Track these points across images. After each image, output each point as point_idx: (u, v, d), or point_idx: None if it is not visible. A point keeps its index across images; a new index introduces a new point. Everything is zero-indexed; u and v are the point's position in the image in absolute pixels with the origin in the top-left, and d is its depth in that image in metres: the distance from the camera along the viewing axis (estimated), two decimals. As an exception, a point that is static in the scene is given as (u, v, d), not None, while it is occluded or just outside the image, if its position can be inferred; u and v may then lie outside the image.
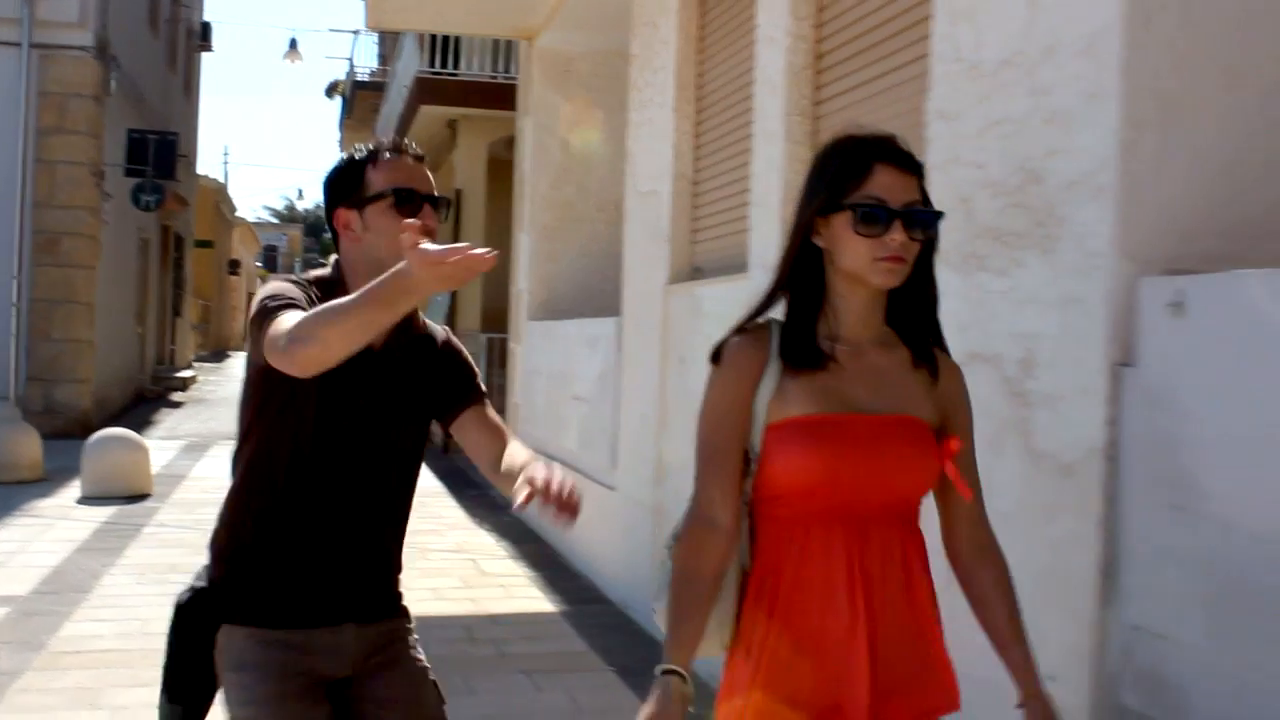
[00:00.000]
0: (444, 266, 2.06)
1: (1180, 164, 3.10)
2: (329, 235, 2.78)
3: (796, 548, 2.27)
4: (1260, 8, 3.15)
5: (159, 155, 19.06)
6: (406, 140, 2.75)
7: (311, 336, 2.26)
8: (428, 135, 18.76)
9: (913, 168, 2.29)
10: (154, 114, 22.34)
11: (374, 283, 2.20)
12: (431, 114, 17.11)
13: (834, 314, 2.31)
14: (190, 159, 29.32)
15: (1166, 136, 3.09)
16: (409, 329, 2.76)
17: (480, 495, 12.49)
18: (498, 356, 14.96)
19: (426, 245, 2.09)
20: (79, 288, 17.18)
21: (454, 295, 16.74)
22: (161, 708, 2.67)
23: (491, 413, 2.84)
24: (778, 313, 2.36)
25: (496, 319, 15.14)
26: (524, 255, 11.53)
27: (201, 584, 2.69)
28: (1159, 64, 3.09)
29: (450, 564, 8.90)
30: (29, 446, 12.55)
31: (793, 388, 2.29)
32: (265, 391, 2.60)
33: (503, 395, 12.96)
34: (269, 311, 2.42)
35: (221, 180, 45.43)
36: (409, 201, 2.64)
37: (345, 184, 2.69)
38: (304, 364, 2.30)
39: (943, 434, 2.33)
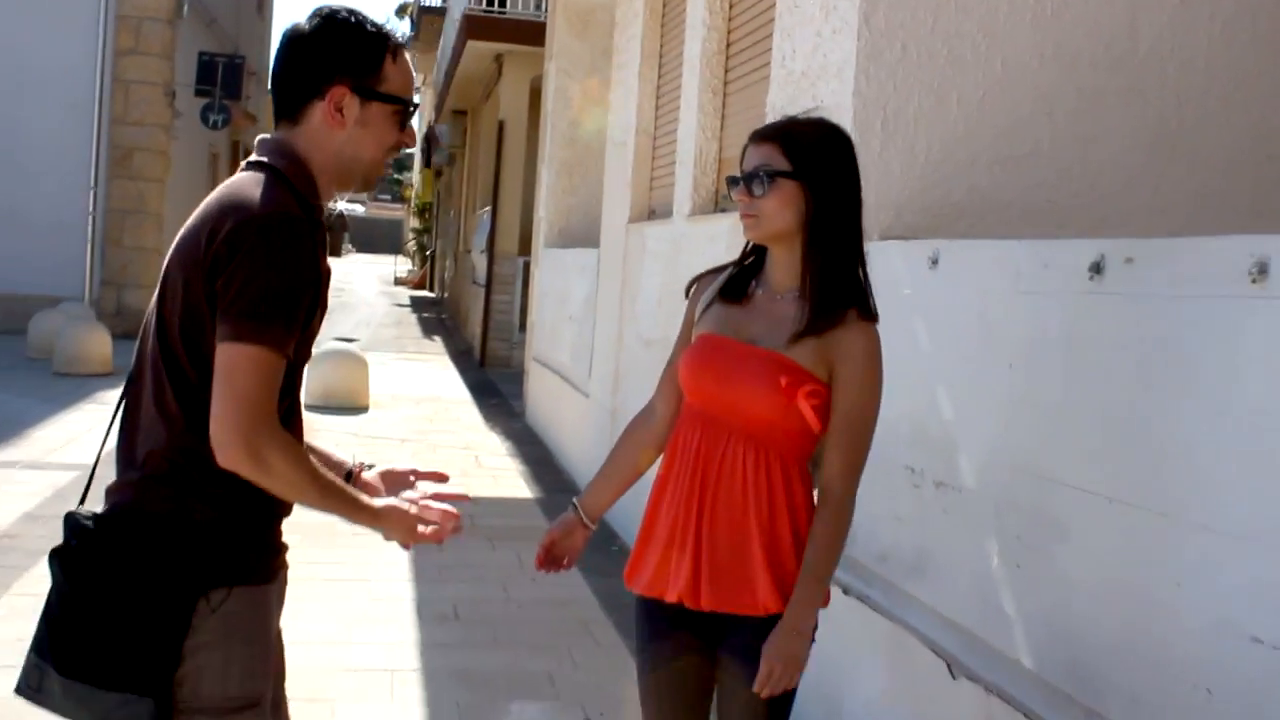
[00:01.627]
0: (421, 531, 2.38)
1: (896, 160, 4.31)
2: (279, 99, 2.35)
3: (674, 439, 2.75)
4: (963, 49, 4.34)
5: (227, 76, 20.42)
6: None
7: (273, 484, 2.17)
8: (476, 68, 20.02)
9: (765, 137, 2.71)
10: (226, 35, 23.74)
11: (356, 498, 2.29)
12: (479, 49, 18.32)
13: (766, 267, 2.73)
14: (262, 76, 30.71)
15: (887, 139, 4.29)
16: None
17: (500, 403, 13.87)
18: (531, 278, 16.26)
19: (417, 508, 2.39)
20: (149, 199, 18.69)
21: (494, 220, 18.04)
22: (121, 709, 2.15)
23: None
24: None
25: (530, 243, 16.44)
26: (544, 188, 12.77)
27: (167, 531, 2.20)
28: (883, 87, 4.29)
29: (453, 458, 10.25)
30: (100, 344, 14.05)
31: (712, 313, 2.74)
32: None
33: (527, 313, 14.33)
34: (269, 327, 2.11)
35: (296, 96, 46.76)
36: (409, 118, 2.41)
37: (358, 58, 2.29)
38: (241, 472, 2.15)
39: (826, 384, 2.59)
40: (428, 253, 39.66)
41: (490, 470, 9.87)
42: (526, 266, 16.93)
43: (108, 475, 2.36)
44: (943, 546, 3.50)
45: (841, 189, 2.66)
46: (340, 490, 2.27)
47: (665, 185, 7.64)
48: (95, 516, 2.24)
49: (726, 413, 2.65)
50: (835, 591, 2.96)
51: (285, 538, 2.39)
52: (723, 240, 5.78)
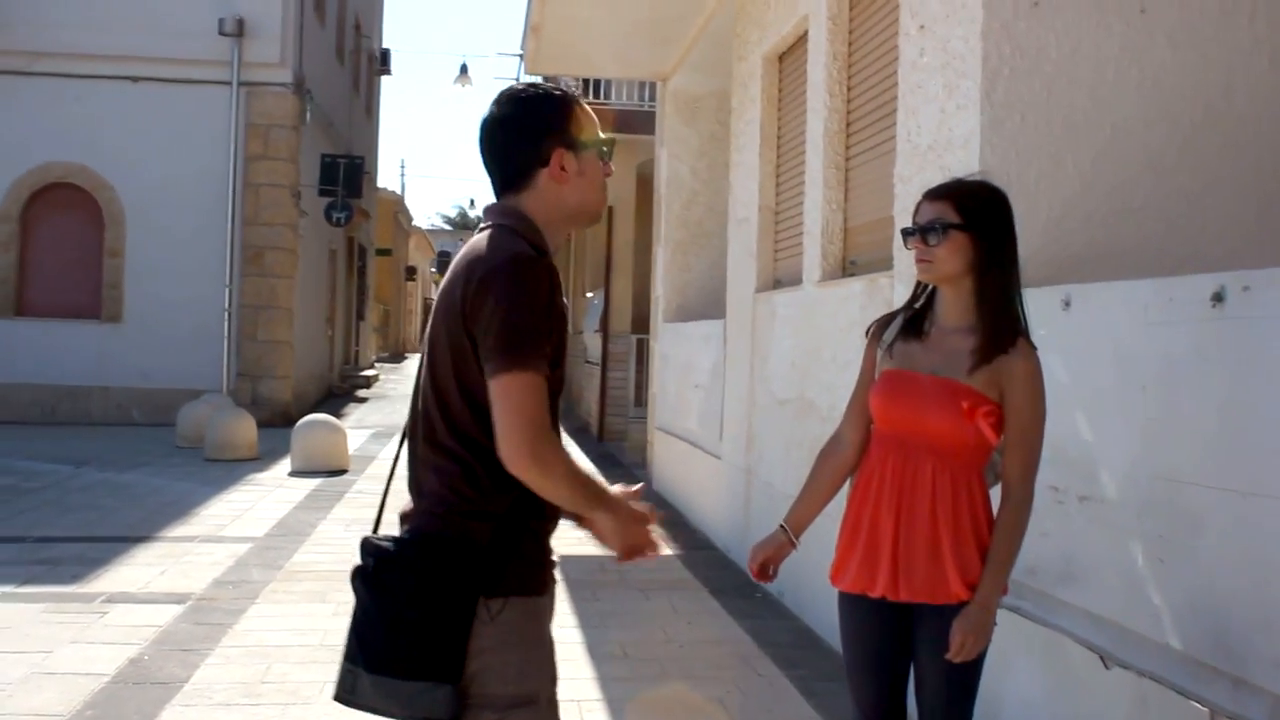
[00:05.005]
0: (640, 545, 2.65)
1: (1020, 220, 4.78)
2: (504, 175, 2.65)
3: (869, 460, 3.27)
4: (1075, 117, 4.85)
5: (348, 176, 21.49)
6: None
7: (554, 483, 2.44)
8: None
9: (939, 195, 3.22)
10: (341, 137, 24.94)
11: (597, 494, 2.54)
12: (585, 138, 19.11)
13: (937, 307, 3.24)
14: (372, 175, 31.93)
15: (1012, 201, 4.78)
16: None
17: (624, 473, 14.40)
18: (643, 354, 16.88)
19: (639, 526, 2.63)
20: (280, 295, 19.65)
21: (607, 301, 18.71)
22: (423, 695, 2.45)
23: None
24: None
25: (643, 322, 17.04)
26: (660, 267, 13.39)
27: (451, 550, 2.49)
28: (1006, 155, 4.82)
29: (592, 522, 10.79)
30: (246, 430, 14.89)
31: (894, 350, 3.26)
32: None
33: (644, 388, 14.89)
34: (527, 356, 2.42)
35: (399, 192, 48.37)
36: (609, 155, 2.71)
37: (562, 122, 2.63)
38: (528, 478, 2.43)
39: (998, 403, 3.09)
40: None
41: (629, 533, 10.37)
42: (639, 344, 17.57)
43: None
44: (1088, 553, 3.96)
45: (1003, 239, 3.19)
46: (594, 483, 2.55)
47: (790, 256, 8.19)
48: (391, 539, 2.57)
49: (915, 434, 3.15)
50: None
51: None
52: (855, 301, 6.31)
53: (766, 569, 3.45)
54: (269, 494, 11.97)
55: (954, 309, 3.20)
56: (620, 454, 16.46)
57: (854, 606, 3.32)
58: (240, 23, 19.05)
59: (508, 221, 2.60)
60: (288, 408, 19.35)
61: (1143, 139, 4.89)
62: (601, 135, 2.68)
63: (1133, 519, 3.69)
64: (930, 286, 3.29)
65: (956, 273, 3.16)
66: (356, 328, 31.39)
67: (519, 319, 2.43)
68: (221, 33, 18.97)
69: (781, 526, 3.46)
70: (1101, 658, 3.81)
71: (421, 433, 2.63)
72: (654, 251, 13.92)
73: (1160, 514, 3.54)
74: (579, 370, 22.69)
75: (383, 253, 39.22)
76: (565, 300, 2.64)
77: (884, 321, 3.41)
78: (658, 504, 11.82)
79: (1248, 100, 4.97)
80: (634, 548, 2.66)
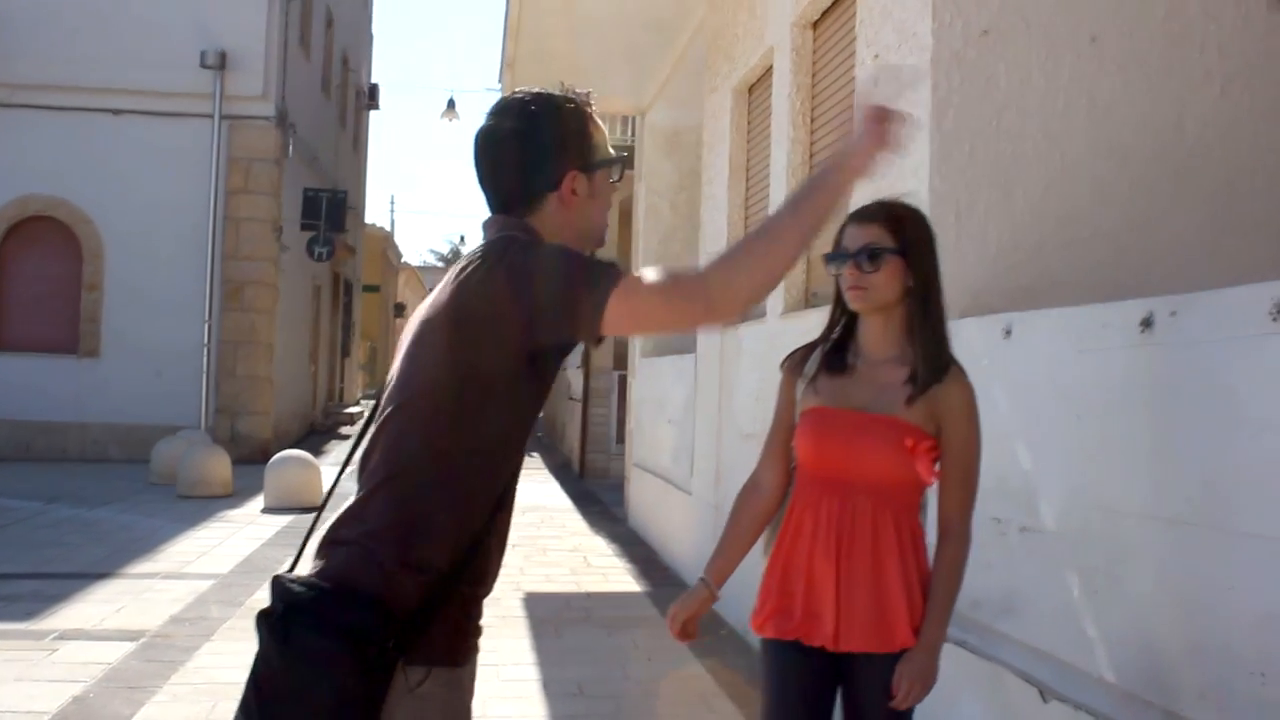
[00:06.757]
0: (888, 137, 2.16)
1: (970, 249, 4.77)
2: (504, 197, 2.36)
3: (799, 503, 3.01)
4: (1025, 147, 4.82)
5: (330, 210, 21.50)
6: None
7: (758, 277, 2.10)
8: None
9: (870, 218, 3.02)
10: (325, 171, 24.92)
11: (814, 185, 2.13)
12: (567, 174, 19.13)
13: (861, 338, 3.06)
14: (359, 210, 31.94)
15: (961, 230, 4.77)
16: None
17: (602, 510, 14.34)
18: (625, 390, 16.81)
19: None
20: (260, 330, 19.57)
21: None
22: None
23: None
24: None
25: (624, 358, 16.98)
26: (637, 301, 13.31)
27: (371, 607, 2.15)
28: (955, 184, 4.79)
29: (564, 559, 10.72)
30: (221, 467, 14.79)
31: (818, 386, 3.04)
32: (520, 379, 2.22)
33: (626, 424, 14.83)
34: (606, 273, 2.12)
35: (388, 228, 48.35)
36: (621, 172, 2.45)
37: (576, 138, 2.35)
38: (735, 313, 2.13)
39: (935, 437, 2.92)
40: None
41: (599, 569, 10.31)
42: (621, 380, 17.51)
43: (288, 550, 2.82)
44: (1029, 585, 3.90)
45: (933, 264, 3.04)
46: (800, 196, 2.16)
47: (757, 289, 8.12)
48: (306, 584, 2.21)
49: (849, 475, 2.95)
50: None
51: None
52: (814, 332, 6.24)
53: (688, 629, 3.21)
54: (239, 531, 11.87)
55: (881, 339, 3.03)
56: (601, 492, 16.37)
57: (783, 654, 3.09)
58: (222, 55, 19.05)
59: (515, 232, 2.32)
60: (268, 444, 19.21)
61: (1092, 169, 4.86)
62: (613, 150, 2.42)
63: (1069, 550, 3.63)
64: (847, 315, 3.13)
65: (893, 300, 2.98)
66: (341, 364, 31.33)
67: (569, 260, 2.18)
68: (203, 65, 18.97)
69: (702, 580, 3.22)
70: (1040, 691, 3.74)
71: (379, 454, 2.29)
72: (632, 287, 13.87)
73: (1095, 545, 3.49)
74: (561, 406, 22.61)
75: (370, 289, 39.19)
76: None
77: (802, 354, 3.19)
78: (634, 542, 11.76)
79: (1198, 130, 4.94)
80: (878, 144, 2.19)
